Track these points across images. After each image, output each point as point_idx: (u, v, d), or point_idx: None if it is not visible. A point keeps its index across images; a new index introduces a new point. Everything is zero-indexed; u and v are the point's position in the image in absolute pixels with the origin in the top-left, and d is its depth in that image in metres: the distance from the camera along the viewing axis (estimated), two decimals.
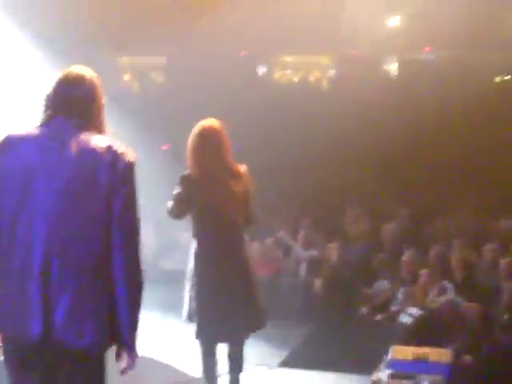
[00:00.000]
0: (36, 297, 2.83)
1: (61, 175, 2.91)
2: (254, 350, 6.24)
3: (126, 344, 2.92)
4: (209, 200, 4.70)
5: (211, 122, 4.82)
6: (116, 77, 13.10)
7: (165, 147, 13.62)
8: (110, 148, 2.96)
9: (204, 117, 4.89)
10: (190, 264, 4.83)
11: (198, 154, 4.77)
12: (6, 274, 2.90)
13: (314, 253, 8.38)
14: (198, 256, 4.79)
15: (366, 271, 7.97)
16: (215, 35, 14.95)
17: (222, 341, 4.85)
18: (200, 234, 4.81)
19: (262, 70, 20.24)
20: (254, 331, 4.86)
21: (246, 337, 4.87)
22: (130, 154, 3.00)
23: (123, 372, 2.95)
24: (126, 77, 18.81)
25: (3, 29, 9.35)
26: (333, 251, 8.08)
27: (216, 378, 4.87)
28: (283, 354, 6.49)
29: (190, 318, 4.77)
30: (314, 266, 8.18)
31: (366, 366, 5.67)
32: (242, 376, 4.86)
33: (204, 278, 4.72)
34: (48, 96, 3.06)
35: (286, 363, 6.26)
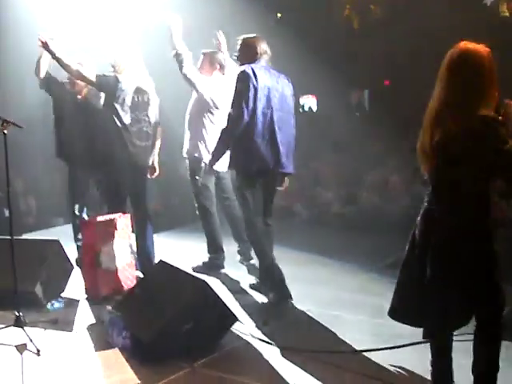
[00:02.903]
0: (273, 148, 6.12)
1: (277, 92, 6.14)
2: None
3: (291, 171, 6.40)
4: None
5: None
6: (335, 12, 13.01)
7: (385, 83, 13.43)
8: (288, 79, 6.36)
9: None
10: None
11: None
12: (268, 139, 6.13)
13: None
14: None
15: None
16: None
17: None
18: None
19: (490, 0, 19.16)
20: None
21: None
22: None
23: (286, 189, 6.67)
24: (346, 11, 18.68)
25: None
26: None
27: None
28: None
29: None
30: None
31: None
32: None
33: None
34: (258, 48, 6.15)
35: None
